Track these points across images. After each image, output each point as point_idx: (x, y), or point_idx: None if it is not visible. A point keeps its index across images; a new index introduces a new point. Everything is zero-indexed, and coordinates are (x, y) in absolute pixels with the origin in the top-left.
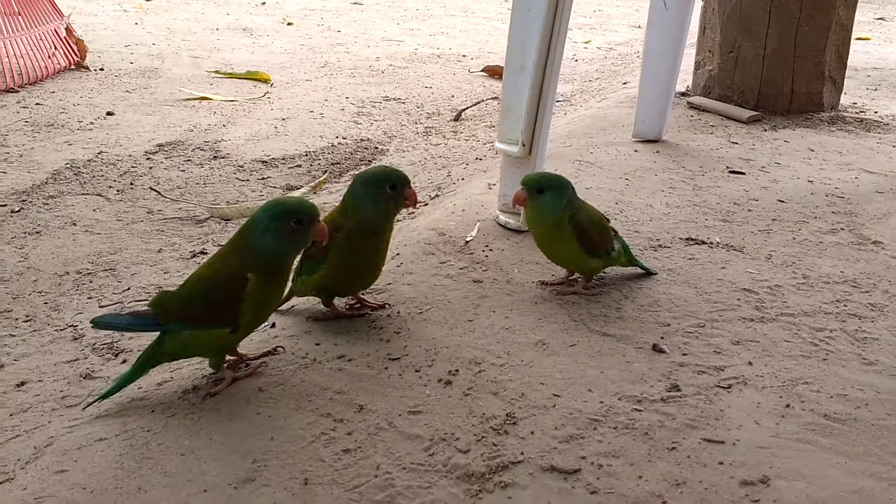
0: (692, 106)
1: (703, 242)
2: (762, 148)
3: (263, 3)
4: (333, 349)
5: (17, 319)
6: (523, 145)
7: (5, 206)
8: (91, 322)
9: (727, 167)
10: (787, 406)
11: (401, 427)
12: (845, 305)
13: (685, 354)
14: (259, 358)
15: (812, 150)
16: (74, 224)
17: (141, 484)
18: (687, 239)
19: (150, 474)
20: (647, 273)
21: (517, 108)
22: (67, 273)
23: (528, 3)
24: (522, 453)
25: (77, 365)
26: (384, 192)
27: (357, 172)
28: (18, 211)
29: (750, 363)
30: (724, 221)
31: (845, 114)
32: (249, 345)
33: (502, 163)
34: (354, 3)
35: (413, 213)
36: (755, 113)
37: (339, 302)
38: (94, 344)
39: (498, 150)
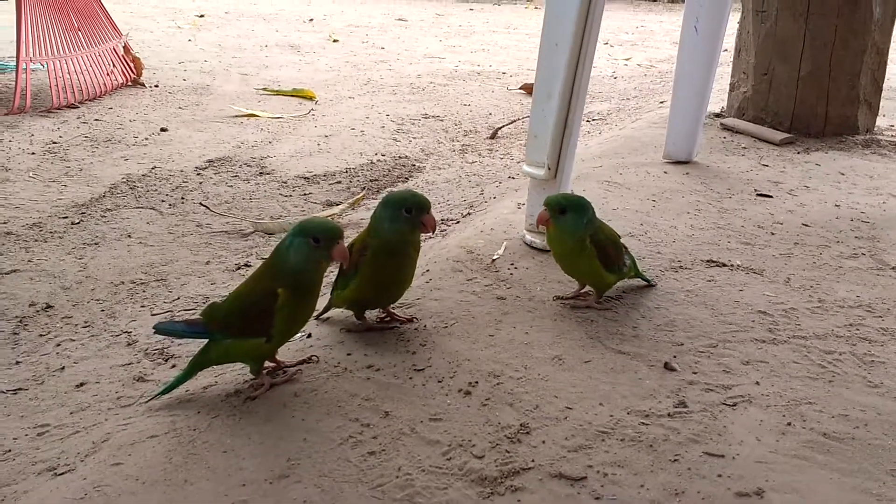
0: (725, 127)
1: (724, 265)
2: (792, 171)
3: (311, 20)
4: (363, 359)
5: (76, 325)
6: (549, 168)
7: (66, 217)
8: (153, 328)
9: (755, 190)
10: (789, 424)
11: (422, 433)
12: (857, 329)
13: (695, 373)
14: (295, 366)
15: (842, 174)
16: (129, 236)
17: (187, 477)
18: (708, 261)
19: (196, 469)
20: (648, 284)
21: (544, 134)
22: (122, 282)
23: (556, 38)
24: (533, 460)
25: (131, 368)
26: (400, 215)
27: (391, 189)
28: (78, 223)
29: (757, 383)
30: (747, 244)
31: (881, 137)
32: (287, 353)
33: (529, 185)
34: (399, 20)
35: (445, 231)
36: (788, 135)
37: (371, 315)
38: (147, 349)
39: (524, 173)
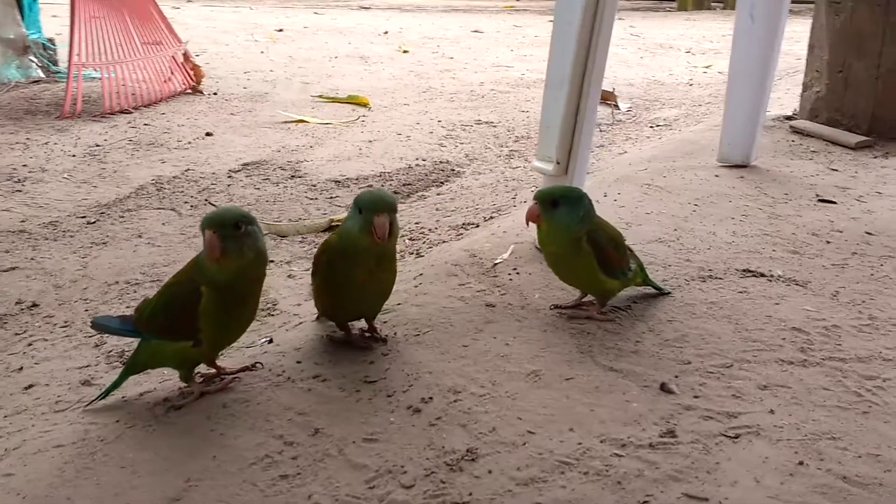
0: (795, 130)
1: (762, 275)
2: (865, 176)
3: (386, 33)
4: (312, 368)
5: (55, 325)
6: (558, 163)
7: (84, 217)
8: (91, 321)
9: (817, 195)
10: (801, 463)
11: (350, 455)
12: None
13: (697, 397)
14: (235, 373)
15: None
16: (140, 236)
17: (71, 494)
18: (744, 270)
19: (84, 485)
20: (661, 293)
21: (554, 124)
22: (117, 282)
23: (569, 16)
24: (471, 494)
25: (84, 371)
26: (354, 214)
27: (422, 194)
28: (94, 223)
29: (772, 411)
30: (794, 253)
31: None
32: (237, 358)
33: (542, 183)
34: (474, 31)
35: (461, 235)
36: (866, 138)
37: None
38: (111, 351)
39: (534, 168)
